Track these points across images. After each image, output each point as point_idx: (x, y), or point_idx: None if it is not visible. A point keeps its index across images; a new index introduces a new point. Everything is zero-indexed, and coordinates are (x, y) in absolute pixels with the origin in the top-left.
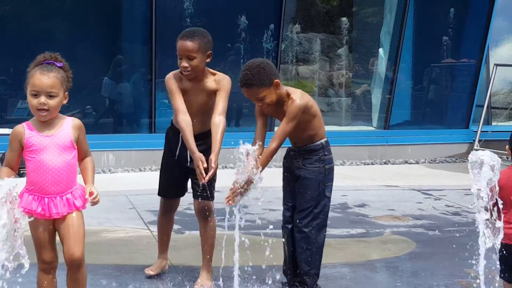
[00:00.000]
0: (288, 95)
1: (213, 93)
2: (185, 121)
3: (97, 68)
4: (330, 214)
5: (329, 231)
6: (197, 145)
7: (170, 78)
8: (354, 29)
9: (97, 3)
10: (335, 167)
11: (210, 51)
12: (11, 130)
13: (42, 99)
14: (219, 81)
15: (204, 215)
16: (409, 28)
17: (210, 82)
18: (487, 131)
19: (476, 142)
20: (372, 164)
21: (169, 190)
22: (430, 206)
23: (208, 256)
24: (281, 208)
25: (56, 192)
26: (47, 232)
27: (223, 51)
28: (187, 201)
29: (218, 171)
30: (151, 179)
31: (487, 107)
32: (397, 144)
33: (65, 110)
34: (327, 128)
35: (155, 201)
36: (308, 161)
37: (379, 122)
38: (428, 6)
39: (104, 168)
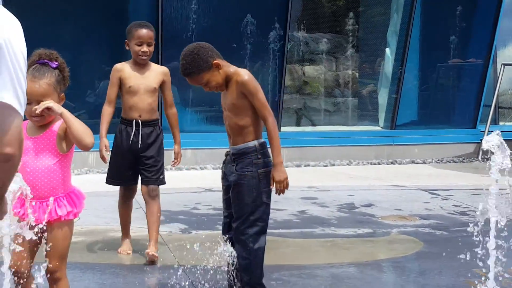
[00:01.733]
0: (233, 73)
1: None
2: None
3: (102, 69)
4: (337, 214)
5: (336, 230)
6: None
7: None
8: (361, 29)
9: (103, 5)
10: (342, 167)
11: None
12: None
13: (34, 107)
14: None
15: (154, 197)
16: (416, 28)
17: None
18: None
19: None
20: (379, 164)
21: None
22: (437, 206)
23: (156, 231)
24: (288, 208)
25: (36, 197)
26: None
27: (229, 51)
28: (193, 201)
29: (214, 172)
30: None
31: (495, 107)
32: (404, 144)
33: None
34: (335, 128)
35: (162, 201)
36: (239, 165)
37: (385, 122)
38: (435, 5)
39: None
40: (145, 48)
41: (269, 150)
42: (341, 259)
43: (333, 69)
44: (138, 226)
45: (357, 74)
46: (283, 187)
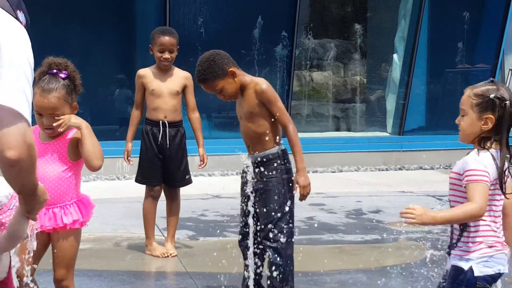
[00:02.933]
0: (249, 82)
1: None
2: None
3: (110, 74)
4: (345, 220)
5: (344, 237)
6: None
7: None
8: (369, 34)
9: (110, 7)
10: (350, 173)
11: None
12: None
13: (45, 121)
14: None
15: (176, 197)
16: (423, 33)
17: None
18: None
19: None
20: (387, 170)
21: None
22: None
23: (173, 231)
24: (296, 214)
25: None
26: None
27: (237, 57)
28: (201, 207)
29: (222, 178)
30: None
31: None
32: (412, 150)
33: (77, 114)
34: (341, 134)
35: None
36: (266, 172)
37: (393, 128)
38: (443, 11)
39: (119, 175)
40: (166, 55)
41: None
42: (349, 265)
43: (341, 75)
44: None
45: (365, 80)
46: (306, 192)
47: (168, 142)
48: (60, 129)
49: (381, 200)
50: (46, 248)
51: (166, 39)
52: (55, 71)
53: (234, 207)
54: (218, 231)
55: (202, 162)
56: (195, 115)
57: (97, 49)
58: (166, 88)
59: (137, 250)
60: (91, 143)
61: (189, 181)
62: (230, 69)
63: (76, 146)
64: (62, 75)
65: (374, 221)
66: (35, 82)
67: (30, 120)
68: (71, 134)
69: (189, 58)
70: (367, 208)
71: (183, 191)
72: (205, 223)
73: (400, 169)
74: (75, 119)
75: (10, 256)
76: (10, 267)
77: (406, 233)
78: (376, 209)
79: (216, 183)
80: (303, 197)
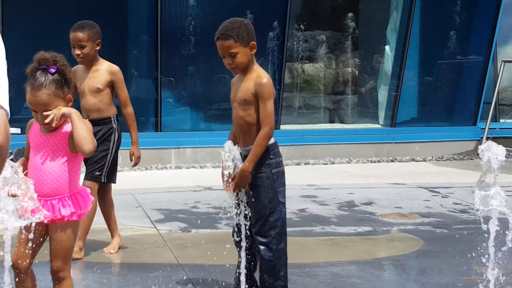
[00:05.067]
0: (254, 69)
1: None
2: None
3: None
4: (338, 212)
5: (336, 229)
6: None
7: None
8: (360, 26)
9: (101, 3)
10: (342, 165)
11: (99, 40)
12: (18, 129)
13: (40, 116)
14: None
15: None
16: (415, 25)
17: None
18: (495, 128)
19: (484, 139)
20: (379, 162)
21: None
22: (438, 203)
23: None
24: (288, 206)
25: (41, 194)
26: (32, 233)
27: None
28: (193, 200)
29: (214, 170)
30: (158, 177)
31: (495, 104)
32: (404, 141)
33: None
34: (333, 126)
35: (162, 200)
36: (254, 166)
37: (385, 120)
38: (435, 2)
39: None
40: (76, 51)
41: (285, 149)
42: (341, 257)
43: (332, 66)
44: (138, 225)
45: (356, 72)
46: (238, 190)
47: None
48: (53, 124)
49: (373, 192)
50: (44, 240)
51: (73, 34)
52: (44, 66)
53: (226, 199)
54: (210, 223)
55: (132, 161)
56: (127, 111)
57: None
58: (87, 85)
59: (129, 242)
60: (80, 128)
61: (96, 178)
62: (253, 42)
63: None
64: (52, 70)
65: (366, 213)
66: (26, 83)
67: (8, 110)
68: (70, 126)
69: (181, 51)
70: (359, 200)
71: (175, 182)
72: (197, 215)
73: (392, 161)
74: (65, 109)
75: None
76: None
77: (398, 225)
78: (368, 201)
79: (208, 174)
80: (230, 190)
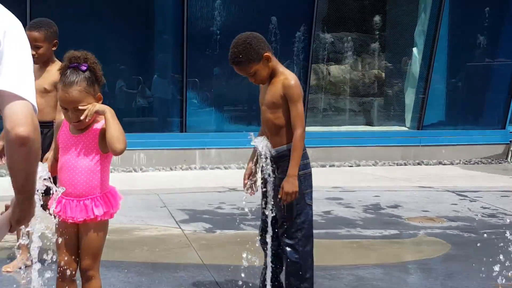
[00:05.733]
0: (281, 72)
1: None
2: None
3: (128, 68)
4: (363, 214)
5: (362, 231)
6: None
7: None
8: (387, 28)
9: (129, 4)
10: (368, 168)
11: (56, 40)
12: None
13: (71, 114)
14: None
15: None
16: (444, 27)
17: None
18: None
19: None
20: (405, 164)
21: None
22: (465, 207)
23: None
24: (318, 208)
25: (74, 195)
26: (67, 235)
27: None
28: (218, 200)
29: (238, 171)
30: (182, 178)
31: None
32: (431, 144)
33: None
34: (359, 128)
35: (186, 200)
36: (280, 169)
37: (412, 122)
38: (464, 4)
39: (136, 167)
40: (32, 51)
41: (310, 151)
42: (367, 260)
43: (358, 68)
44: (163, 225)
45: (383, 74)
46: (290, 199)
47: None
48: (87, 119)
49: (400, 195)
50: (77, 239)
51: (28, 34)
52: (75, 64)
53: (250, 200)
54: (235, 224)
55: None
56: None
57: (115, 43)
58: (37, 85)
59: (154, 242)
60: (114, 127)
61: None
62: (266, 53)
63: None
64: (83, 67)
65: (392, 216)
66: (59, 81)
67: (35, 105)
68: (101, 125)
69: (206, 52)
70: (385, 203)
71: (200, 183)
72: (221, 215)
73: (418, 164)
74: (99, 106)
75: None
76: None
77: (425, 228)
78: (394, 204)
79: (232, 176)
80: (284, 202)
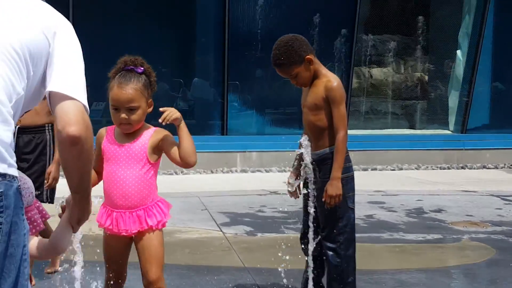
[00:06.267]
0: (323, 74)
1: None
2: None
3: (169, 70)
4: (406, 218)
5: (404, 235)
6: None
7: None
8: (430, 30)
9: (171, 6)
10: (410, 171)
11: None
12: None
13: (122, 114)
14: None
15: None
16: (488, 29)
17: None
18: None
19: None
20: (448, 168)
21: None
22: (511, 212)
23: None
24: (360, 212)
25: (125, 207)
26: (116, 249)
27: None
28: (259, 203)
29: (279, 174)
30: (223, 180)
31: None
32: (475, 148)
33: (147, 115)
34: (401, 131)
35: (227, 203)
36: (322, 172)
37: (456, 126)
38: (509, 6)
39: (177, 170)
40: None
41: (352, 154)
42: (410, 265)
43: (401, 71)
44: (204, 228)
45: (426, 77)
46: (333, 202)
47: (21, 151)
48: (163, 123)
49: (443, 199)
50: (129, 252)
51: None
52: (132, 67)
53: (291, 203)
54: (276, 228)
55: (46, 182)
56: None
57: (156, 46)
58: None
59: (195, 245)
60: (188, 139)
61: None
62: (307, 56)
63: (155, 146)
64: (139, 70)
65: (435, 220)
66: (110, 83)
67: (86, 105)
68: (149, 134)
69: (247, 55)
70: (428, 207)
71: (241, 186)
72: (262, 219)
73: (462, 167)
74: (178, 114)
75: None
76: None
77: (469, 233)
78: (437, 208)
79: (273, 179)
80: (328, 205)
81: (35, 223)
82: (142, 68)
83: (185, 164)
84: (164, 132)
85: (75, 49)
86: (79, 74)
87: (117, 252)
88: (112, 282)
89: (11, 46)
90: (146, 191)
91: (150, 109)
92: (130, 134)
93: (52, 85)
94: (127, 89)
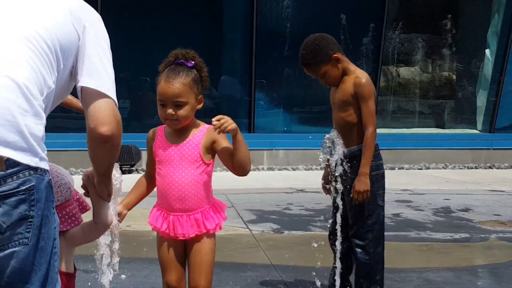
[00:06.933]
0: (352, 71)
1: None
2: None
3: None
4: (433, 217)
5: (432, 234)
6: None
7: None
8: (459, 29)
9: (199, 3)
10: (438, 171)
11: None
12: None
13: (169, 110)
14: None
15: None
16: None
17: None
18: None
19: None
20: (476, 168)
21: None
22: None
23: None
24: (387, 211)
25: (182, 210)
26: (173, 253)
27: None
28: (285, 201)
29: (306, 172)
30: (250, 178)
31: None
32: (503, 148)
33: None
34: (429, 130)
35: (254, 200)
36: (352, 169)
37: (484, 125)
38: None
39: None
40: None
41: (380, 153)
42: (437, 263)
43: (428, 70)
44: (231, 225)
45: (454, 76)
46: (361, 198)
47: None
48: (217, 132)
49: (470, 198)
50: (184, 258)
51: None
52: (182, 60)
53: (318, 201)
54: (303, 225)
55: None
56: None
57: (183, 43)
58: None
59: (222, 241)
60: (245, 151)
61: None
62: (335, 54)
63: (209, 147)
64: (189, 64)
65: (463, 219)
66: (159, 77)
67: (116, 99)
68: (202, 133)
69: (275, 53)
70: (455, 206)
71: (268, 184)
72: (289, 216)
73: (490, 167)
74: (235, 125)
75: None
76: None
77: (496, 232)
78: (465, 208)
79: (300, 177)
80: (356, 201)
81: (73, 218)
82: (193, 62)
83: (239, 173)
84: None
85: (105, 43)
86: (109, 69)
87: (172, 258)
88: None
89: (42, 38)
90: (203, 192)
91: (200, 105)
92: (181, 133)
93: (84, 81)
94: (175, 83)
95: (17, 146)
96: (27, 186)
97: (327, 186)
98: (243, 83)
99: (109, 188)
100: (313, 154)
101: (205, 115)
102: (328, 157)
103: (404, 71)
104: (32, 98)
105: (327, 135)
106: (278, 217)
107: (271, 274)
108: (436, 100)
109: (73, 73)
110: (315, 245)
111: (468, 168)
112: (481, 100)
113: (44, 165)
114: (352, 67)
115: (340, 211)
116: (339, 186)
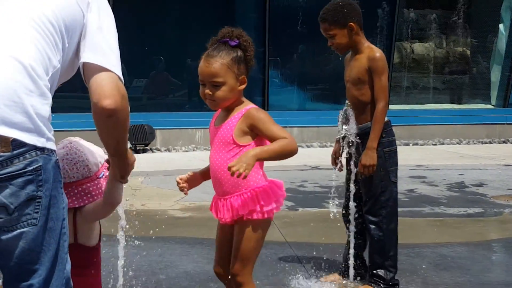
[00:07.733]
0: (365, 46)
1: None
2: None
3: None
4: (447, 193)
5: (446, 210)
6: None
7: None
8: (473, 4)
9: None
10: (452, 146)
11: None
12: None
13: (207, 89)
14: None
15: None
16: None
17: None
18: None
19: None
20: (490, 143)
21: None
22: None
23: None
24: (401, 187)
25: (220, 193)
26: (219, 236)
27: None
28: (300, 179)
29: (320, 150)
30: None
31: None
32: None
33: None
34: (443, 106)
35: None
36: (365, 146)
37: (498, 100)
38: None
39: None
40: None
41: (393, 129)
42: (450, 238)
43: (442, 46)
44: None
45: (468, 51)
46: (367, 172)
47: None
48: (236, 176)
49: (485, 173)
50: (231, 241)
51: None
52: (226, 39)
53: (332, 178)
54: (317, 202)
55: None
56: None
57: (195, 21)
58: None
59: None
60: (277, 154)
61: None
62: (351, 23)
63: (246, 130)
64: (233, 43)
65: (477, 194)
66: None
67: (121, 75)
68: (239, 115)
69: (288, 30)
70: (469, 181)
71: (281, 161)
72: (304, 194)
73: (504, 142)
74: (249, 162)
75: (100, 224)
76: (100, 235)
77: (510, 207)
78: (479, 183)
79: (315, 154)
80: (362, 174)
81: (88, 195)
82: (237, 41)
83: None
84: (251, 112)
85: (109, 19)
86: (113, 44)
87: (220, 239)
88: (217, 270)
89: (47, 18)
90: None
91: (243, 86)
92: (224, 115)
93: (85, 56)
94: (212, 62)
95: (23, 126)
96: (34, 167)
97: (337, 161)
98: (257, 61)
99: (122, 170)
100: (327, 131)
101: None
102: (345, 127)
103: (418, 47)
104: (38, 79)
105: (341, 110)
106: (292, 195)
107: (285, 251)
108: (450, 76)
109: (77, 51)
110: (329, 222)
111: (482, 143)
112: (495, 75)
113: (51, 145)
114: (366, 43)
115: (353, 188)
116: (352, 163)
